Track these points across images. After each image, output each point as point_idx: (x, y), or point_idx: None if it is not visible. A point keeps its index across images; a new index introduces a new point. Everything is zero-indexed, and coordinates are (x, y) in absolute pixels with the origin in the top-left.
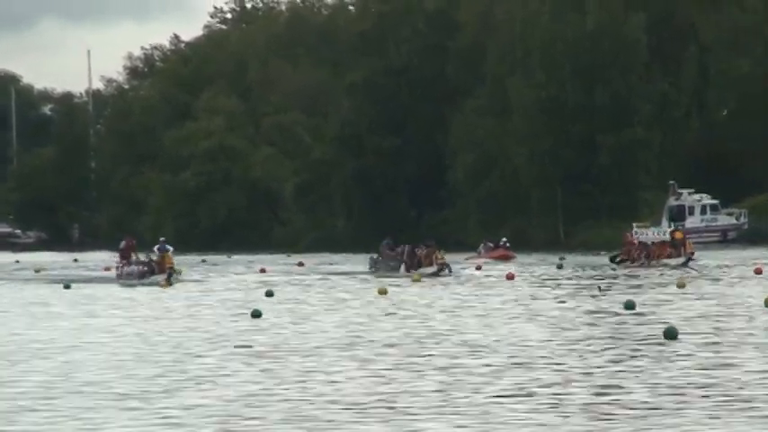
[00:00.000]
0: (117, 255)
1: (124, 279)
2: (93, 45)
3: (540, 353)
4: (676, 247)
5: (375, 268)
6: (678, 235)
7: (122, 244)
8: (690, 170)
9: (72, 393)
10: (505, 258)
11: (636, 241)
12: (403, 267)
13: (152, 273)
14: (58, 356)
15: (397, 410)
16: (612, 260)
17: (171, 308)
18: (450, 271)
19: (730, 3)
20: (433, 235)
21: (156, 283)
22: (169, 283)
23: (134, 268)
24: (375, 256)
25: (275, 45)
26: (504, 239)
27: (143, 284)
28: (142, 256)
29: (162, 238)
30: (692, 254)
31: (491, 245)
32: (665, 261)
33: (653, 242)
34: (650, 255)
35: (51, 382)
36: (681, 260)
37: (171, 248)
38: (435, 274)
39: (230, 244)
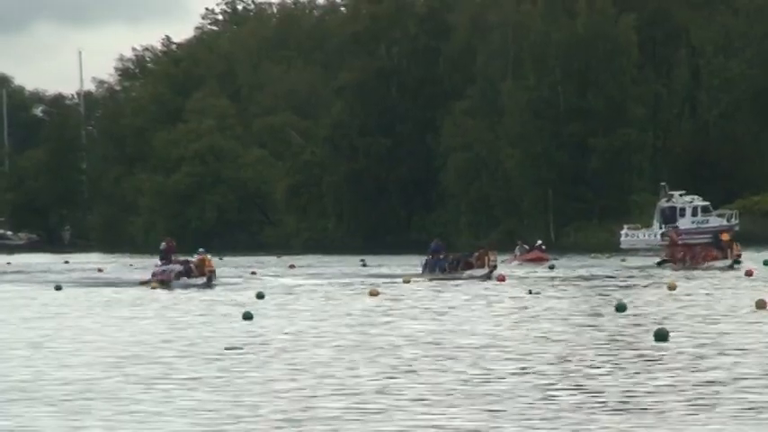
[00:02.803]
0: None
1: (159, 277)
2: (85, 47)
3: (526, 356)
4: (723, 250)
5: (427, 270)
6: (725, 237)
7: (163, 245)
8: (681, 172)
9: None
10: (540, 261)
11: (680, 242)
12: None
13: (188, 274)
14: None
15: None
16: (660, 264)
17: (151, 309)
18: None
19: (721, 5)
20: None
21: (194, 285)
22: (209, 286)
23: (171, 267)
24: (426, 259)
25: (266, 47)
26: (540, 242)
27: (179, 286)
28: (181, 258)
29: (201, 249)
30: (739, 256)
31: (527, 247)
32: (712, 264)
33: (698, 244)
34: (695, 257)
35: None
36: (728, 262)
37: (209, 255)
38: (487, 277)
39: (221, 245)
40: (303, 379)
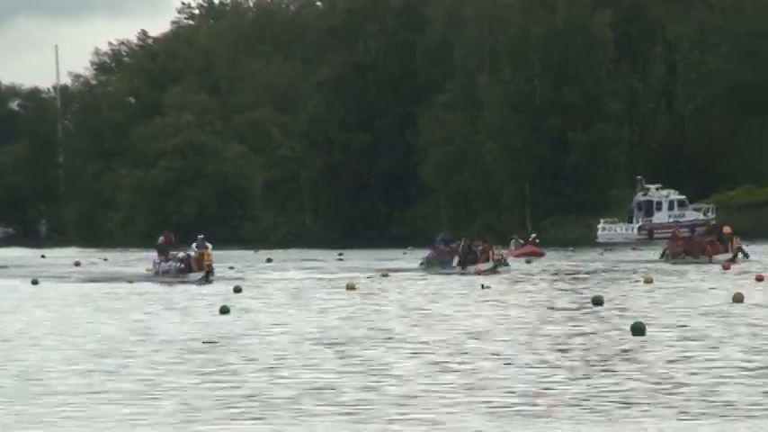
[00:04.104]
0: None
1: (160, 277)
2: (62, 41)
3: (503, 349)
4: (724, 243)
5: (427, 266)
6: (726, 230)
7: (160, 239)
8: (657, 166)
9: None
10: (534, 254)
11: (681, 236)
12: (456, 260)
13: (189, 270)
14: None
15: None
16: (662, 257)
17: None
18: (506, 264)
19: (697, 0)
20: (409, 229)
21: (195, 281)
22: (207, 281)
23: (171, 265)
24: (429, 253)
25: (243, 41)
26: (534, 235)
27: (181, 282)
28: (180, 253)
29: (201, 236)
30: (740, 249)
31: (521, 241)
32: (715, 258)
33: (698, 238)
34: (693, 250)
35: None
36: (728, 256)
37: (210, 246)
38: (493, 270)
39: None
40: (274, 373)
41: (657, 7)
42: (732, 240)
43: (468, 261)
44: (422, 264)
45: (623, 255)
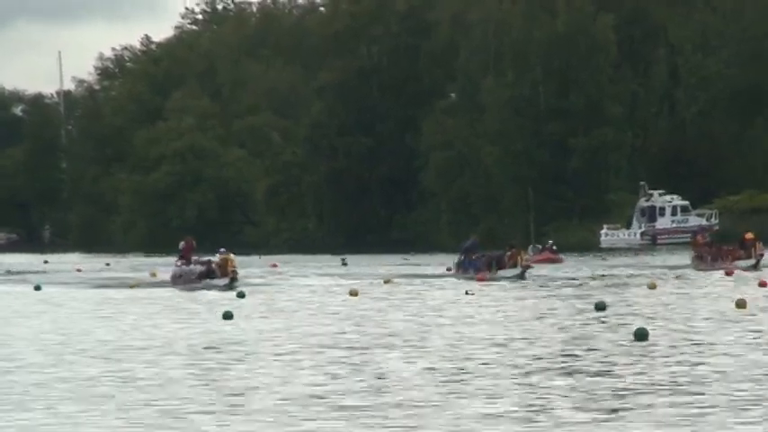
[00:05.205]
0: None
1: (180, 282)
2: (65, 46)
3: (500, 353)
4: (747, 249)
5: (458, 270)
6: (748, 236)
7: (182, 245)
8: (658, 170)
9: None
10: (552, 261)
11: (704, 242)
12: (493, 265)
13: (210, 275)
14: None
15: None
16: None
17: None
18: (531, 267)
19: (700, 3)
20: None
21: (216, 286)
22: (232, 287)
23: (193, 269)
24: (460, 257)
25: (246, 46)
26: (551, 242)
27: (201, 288)
28: (203, 258)
29: (222, 249)
30: (762, 255)
31: (539, 247)
32: (737, 263)
33: (724, 245)
34: (717, 256)
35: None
36: (751, 262)
37: (232, 255)
38: (520, 276)
39: (201, 245)
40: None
41: (660, 10)
42: (755, 246)
43: (498, 266)
44: (455, 269)
45: (641, 259)
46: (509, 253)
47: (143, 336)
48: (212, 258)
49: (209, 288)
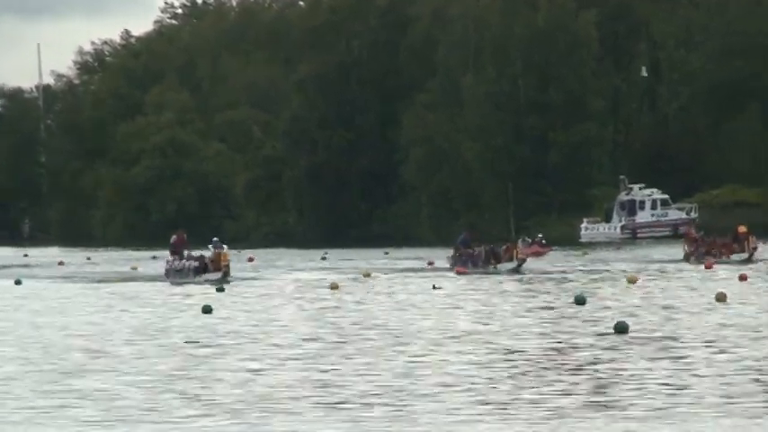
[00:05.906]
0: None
1: (174, 277)
2: (45, 40)
3: (478, 348)
4: (740, 243)
5: (453, 264)
6: (742, 230)
7: (173, 238)
8: (641, 165)
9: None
10: (540, 254)
11: (695, 236)
12: (484, 258)
13: (204, 270)
14: None
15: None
16: (685, 259)
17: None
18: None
19: None
20: (377, 228)
21: (209, 281)
22: (225, 281)
23: (185, 264)
24: (453, 252)
25: (226, 40)
26: (540, 236)
27: (195, 283)
28: (195, 253)
29: (215, 238)
30: (755, 249)
31: (529, 240)
32: (731, 257)
33: (718, 239)
34: (708, 250)
35: None
36: (744, 255)
37: (225, 247)
38: (516, 270)
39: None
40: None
41: (644, 5)
42: (749, 240)
43: (492, 259)
44: (450, 264)
45: (621, 254)
46: (505, 246)
47: (124, 328)
48: (204, 253)
49: (201, 283)
